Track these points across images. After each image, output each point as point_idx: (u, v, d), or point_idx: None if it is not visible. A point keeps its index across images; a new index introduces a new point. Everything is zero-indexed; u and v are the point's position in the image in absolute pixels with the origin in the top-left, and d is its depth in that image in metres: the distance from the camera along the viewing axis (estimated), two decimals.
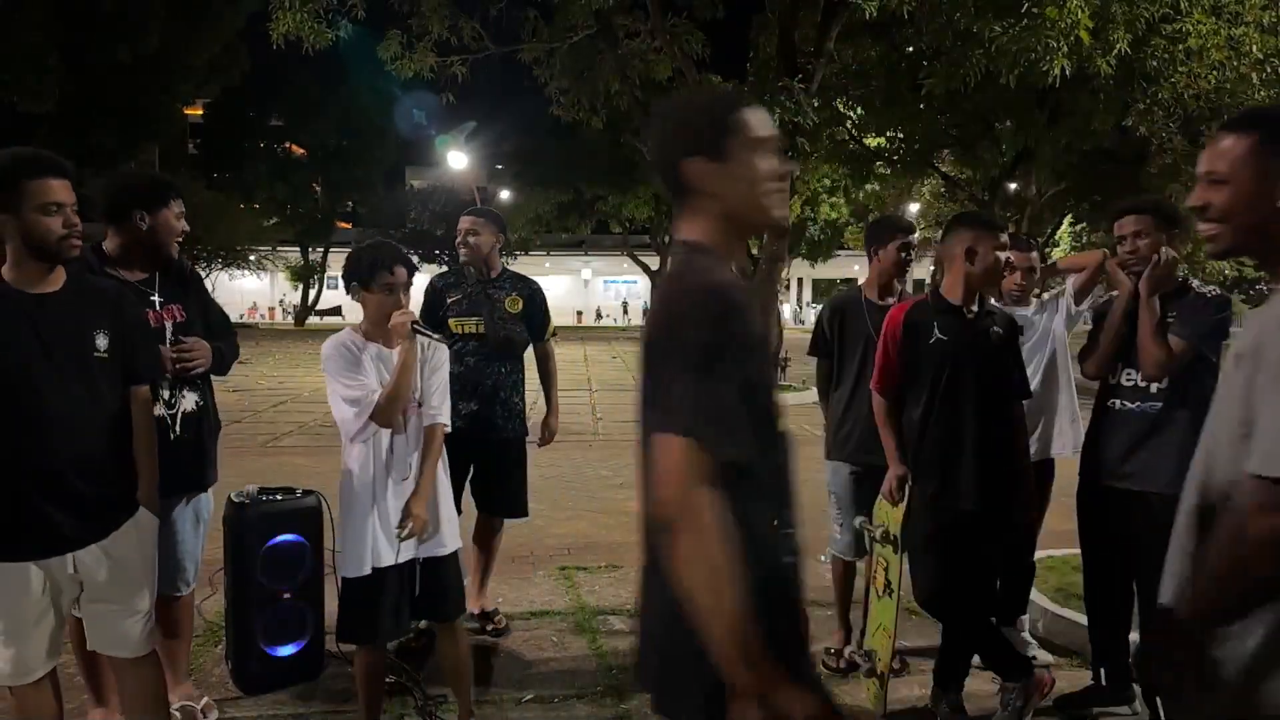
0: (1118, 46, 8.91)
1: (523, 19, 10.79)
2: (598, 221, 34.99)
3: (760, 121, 1.47)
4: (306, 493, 3.41)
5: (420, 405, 2.80)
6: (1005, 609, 3.74)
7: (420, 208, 37.20)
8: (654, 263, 32.44)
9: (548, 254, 42.48)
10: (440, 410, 2.85)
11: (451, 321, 3.80)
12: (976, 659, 3.25)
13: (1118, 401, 3.07)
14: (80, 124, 18.66)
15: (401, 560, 2.74)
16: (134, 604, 2.42)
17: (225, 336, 3.09)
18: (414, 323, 2.71)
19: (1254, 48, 10.17)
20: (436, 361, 2.88)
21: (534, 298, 3.97)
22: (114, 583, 2.37)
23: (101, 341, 2.33)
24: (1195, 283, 3.04)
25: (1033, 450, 3.49)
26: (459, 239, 3.86)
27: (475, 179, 31.24)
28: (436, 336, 2.89)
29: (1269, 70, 10.49)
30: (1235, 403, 1.43)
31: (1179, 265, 2.99)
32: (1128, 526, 3.02)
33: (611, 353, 21.55)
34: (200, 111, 34.87)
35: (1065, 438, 3.69)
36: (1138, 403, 3.01)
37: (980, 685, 3.36)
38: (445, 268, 5.16)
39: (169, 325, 2.85)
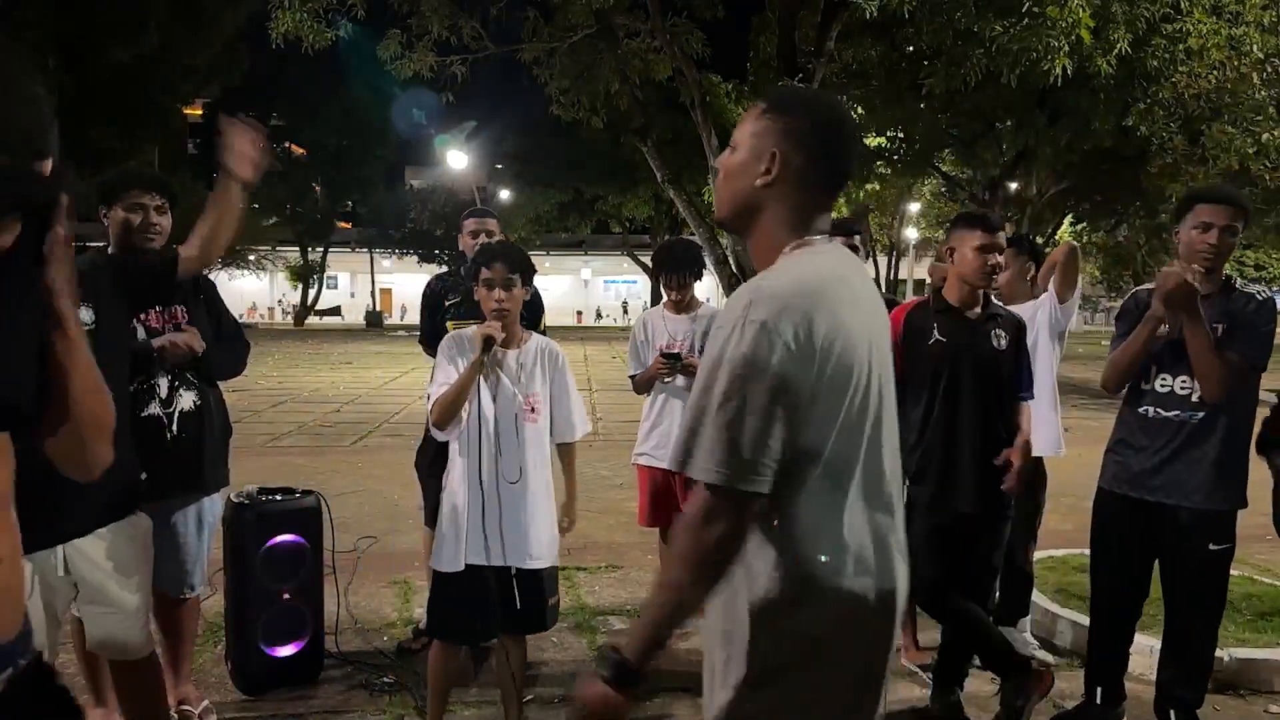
0: (1118, 46, 8.90)
1: (523, 19, 10.78)
2: (598, 221, 35.02)
3: None
4: (306, 493, 3.40)
5: (534, 411, 2.75)
6: (1007, 610, 3.75)
7: (420, 208, 37.20)
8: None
9: (548, 254, 42.46)
10: (570, 428, 2.88)
11: (450, 324, 3.79)
12: (976, 659, 3.25)
13: (1151, 409, 2.84)
14: (80, 124, 18.65)
15: (494, 563, 2.70)
16: (128, 606, 2.41)
17: (232, 347, 3.08)
18: (488, 337, 2.61)
19: (1254, 47, 10.17)
20: (560, 371, 2.86)
21: (532, 299, 3.96)
22: (107, 584, 2.36)
23: (86, 315, 2.30)
24: (1239, 281, 2.83)
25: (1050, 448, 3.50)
26: (471, 241, 3.83)
27: (475, 179, 31.23)
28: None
29: (1269, 70, 10.49)
30: None
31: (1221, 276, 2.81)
32: (1151, 540, 2.91)
33: (611, 353, 21.54)
34: (200, 111, 34.86)
35: (1047, 438, 3.67)
36: (1176, 411, 2.80)
37: (980, 685, 3.36)
38: (445, 268, 5.15)
39: (168, 328, 2.85)
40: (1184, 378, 2.78)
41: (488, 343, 2.61)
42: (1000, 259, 2.97)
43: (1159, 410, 2.84)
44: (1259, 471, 2.79)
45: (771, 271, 1.39)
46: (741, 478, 1.28)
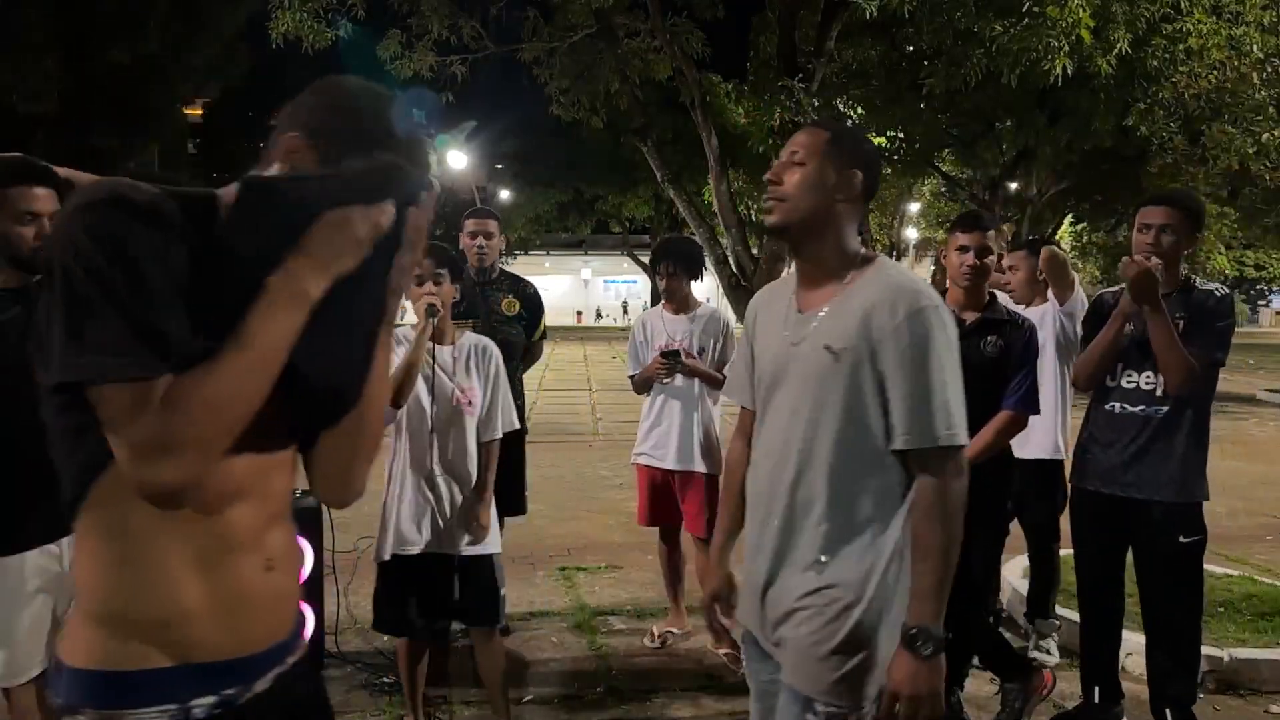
0: (1118, 46, 8.90)
1: (523, 19, 10.77)
2: (598, 221, 34.98)
3: None
4: (306, 493, 3.39)
5: (471, 404, 2.86)
6: (1036, 602, 3.79)
7: None
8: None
9: (548, 254, 42.45)
10: (493, 426, 2.93)
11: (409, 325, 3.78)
12: (976, 659, 3.25)
13: (1118, 405, 2.93)
14: (80, 124, 18.64)
15: (429, 550, 2.78)
16: None
17: None
18: (430, 305, 2.72)
19: (1254, 47, 10.17)
20: (493, 369, 2.94)
21: (530, 299, 3.96)
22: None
23: None
24: (1198, 280, 2.91)
25: (1026, 450, 3.49)
26: (470, 241, 3.82)
27: (475, 179, 31.22)
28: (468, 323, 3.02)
29: (1269, 70, 10.49)
30: None
31: (1179, 273, 2.87)
32: (1127, 536, 2.96)
33: (611, 353, 21.54)
34: (200, 111, 34.87)
35: (1046, 439, 3.67)
36: (1141, 406, 2.87)
37: (980, 686, 3.36)
38: None
39: None
40: (1149, 373, 2.85)
41: (430, 309, 2.72)
42: (978, 261, 2.90)
43: (1125, 406, 2.91)
44: (1259, 472, 2.79)
45: (896, 271, 1.71)
46: (965, 434, 1.63)
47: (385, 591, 2.87)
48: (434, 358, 2.82)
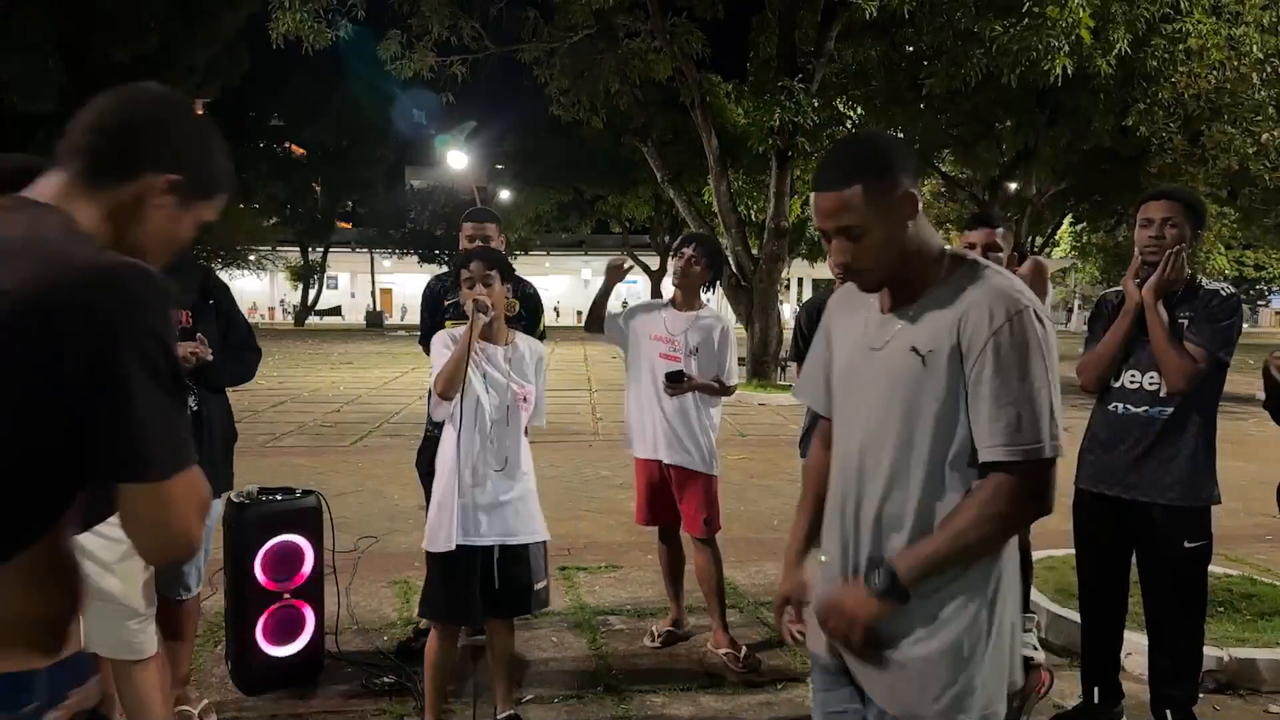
0: (1118, 46, 8.92)
1: (523, 19, 10.78)
2: (598, 221, 35.01)
3: None
4: (306, 493, 3.40)
5: (525, 401, 2.99)
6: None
7: (420, 208, 37.22)
8: (654, 262, 32.37)
9: (548, 254, 42.46)
10: (539, 418, 3.13)
11: (449, 324, 3.78)
12: None
13: (1121, 406, 2.88)
14: None
15: (483, 543, 2.87)
16: (131, 606, 2.41)
17: (240, 355, 3.07)
18: (478, 300, 2.83)
19: (1254, 47, 10.18)
20: (542, 368, 3.10)
21: (530, 299, 3.94)
22: (108, 584, 2.36)
23: None
24: (1204, 280, 2.87)
25: None
26: (467, 244, 3.80)
27: (475, 179, 31.23)
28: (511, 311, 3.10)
29: (1269, 70, 10.50)
30: None
31: (1186, 267, 2.86)
32: (1130, 538, 2.95)
33: (611, 352, 21.51)
34: (200, 111, 34.86)
35: None
36: (1145, 407, 2.83)
37: None
38: (445, 268, 5.12)
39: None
40: (1152, 374, 2.83)
41: (479, 304, 2.83)
42: (989, 256, 2.93)
43: (1128, 406, 2.88)
44: (1259, 472, 2.79)
45: (993, 272, 1.58)
46: (1058, 449, 1.51)
47: (444, 580, 2.91)
48: (491, 359, 2.94)
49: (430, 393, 3.03)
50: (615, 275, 3.82)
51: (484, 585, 2.90)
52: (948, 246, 1.64)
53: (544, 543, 3.07)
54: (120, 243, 1.17)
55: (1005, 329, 1.48)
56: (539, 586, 3.03)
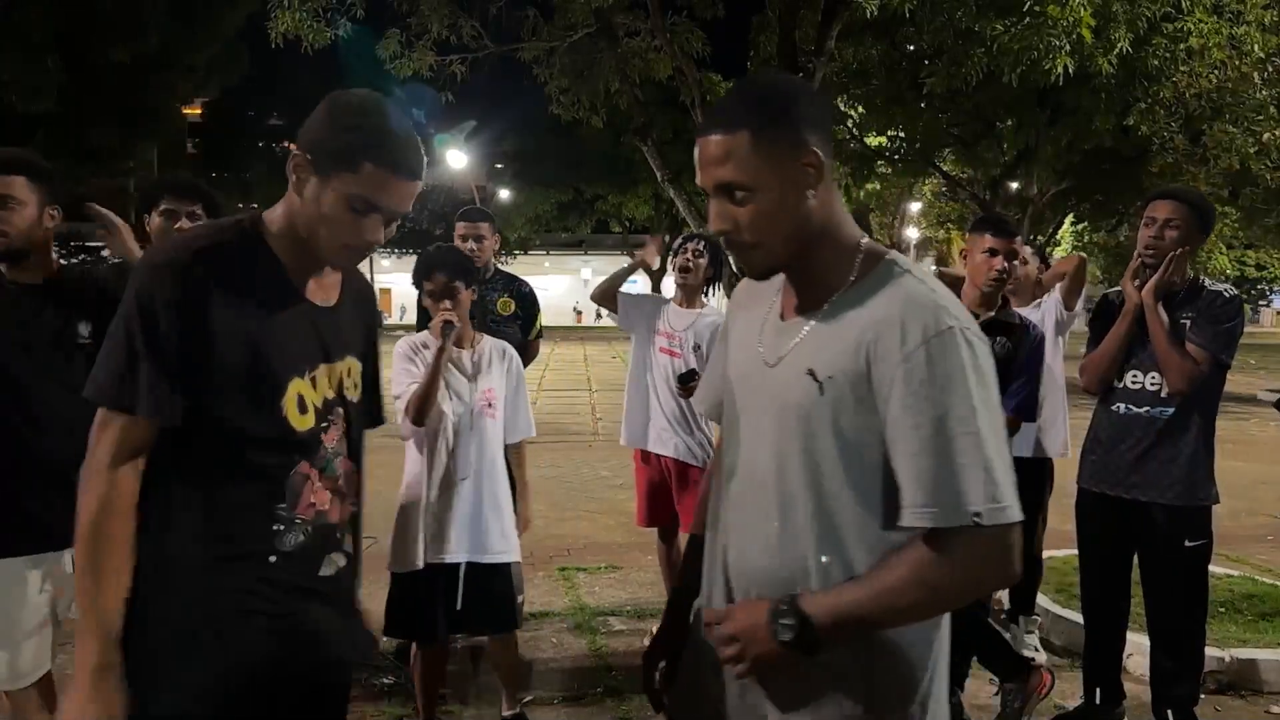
0: (1119, 45, 8.90)
1: (522, 18, 10.76)
2: (597, 221, 35.02)
3: None
4: None
5: (491, 407, 2.83)
6: (1019, 599, 3.78)
7: (419, 207, 37.19)
8: (654, 262, 32.36)
9: (547, 254, 42.46)
10: (520, 427, 2.98)
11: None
12: (976, 659, 3.24)
13: (1123, 406, 2.90)
14: (80, 124, 18.63)
15: (450, 561, 2.74)
16: None
17: None
18: (447, 322, 2.70)
19: (1255, 47, 10.17)
20: (514, 371, 2.95)
21: (526, 298, 3.94)
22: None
23: (84, 329, 2.29)
24: (1207, 281, 2.87)
25: (1026, 449, 3.49)
26: (462, 245, 3.78)
27: (474, 178, 31.22)
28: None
29: (1270, 69, 10.50)
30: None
31: (1187, 269, 2.86)
32: (1132, 538, 2.94)
33: (611, 353, 21.54)
34: (200, 111, 34.88)
35: (1054, 438, 3.68)
36: (1146, 407, 2.84)
37: (980, 686, 3.35)
38: None
39: None
40: (1154, 374, 2.84)
41: (447, 326, 2.68)
42: (1007, 264, 2.93)
43: (1130, 407, 2.88)
44: (1260, 472, 2.79)
45: (910, 277, 1.25)
46: (1018, 509, 1.16)
47: (408, 599, 2.76)
48: (456, 363, 2.82)
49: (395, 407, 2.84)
50: (642, 264, 3.93)
51: (468, 603, 2.77)
52: (864, 239, 1.30)
53: (518, 562, 2.92)
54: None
55: (920, 354, 1.16)
56: (519, 600, 2.92)
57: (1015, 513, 1.15)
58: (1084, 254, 3.69)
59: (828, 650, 1.20)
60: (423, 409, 2.67)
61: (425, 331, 2.84)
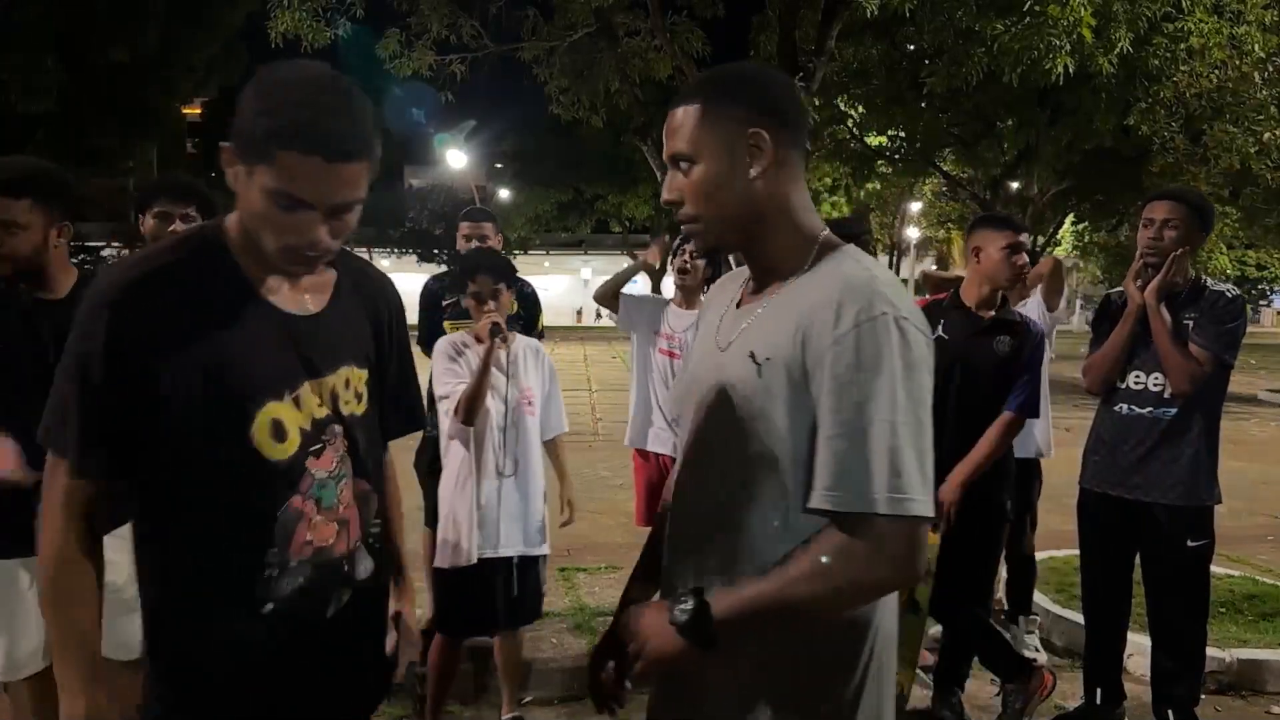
0: (1120, 45, 8.90)
1: (522, 18, 10.76)
2: (597, 221, 35.04)
3: None
4: None
5: (531, 404, 2.91)
6: (1015, 600, 3.78)
7: (419, 207, 37.19)
8: (657, 263, 32.39)
9: (547, 253, 42.44)
10: (556, 422, 3.07)
11: (448, 324, 3.76)
12: (977, 660, 3.24)
13: (1125, 406, 2.91)
14: (79, 124, 18.64)
15: (505, 554, 2.83)
16: (128, 604, 2.39)
17: None
18: (494, 324, 2.75)
19: (1256, 46, 10.17)
20: (547, 369, 3.04)
21: (528, 299, 3.94)
22: (129, 586, 2.34)
23: None
24: (1210, 281, 2.87)
25: (1022, 450, 3.49)
26: (466, 245, 3.78)
27: (474, 178, 31.25)
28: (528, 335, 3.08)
29: (1271, 69, 10.49)
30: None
31: (1188, 269, 2.86)
32: (1134, 538, 2.95)
33: (611, 353, 21.54)
34: (199, 111, 34.87)
35: (1033, 439, 3.67)
36: (1149, 408, 2.85)
37: (981, 686, 3.35)
38: (444, 268, 5.11)
39: None
40: (1157, 374, 2.84)
41: (495, 329, 2.73)
42: (1026, 261, 2.97)
43: (1133, 407, 2.89)
44: (1260, 472, 2.79)
45: (856, 265, 1.25)
46: (927, 505, 1.14)
47: (464, 594, 2.83)
48: (495, 365, 2.88)
49: (430, 397, 2.93)
50: (645, 265, 3.95)
51: (504, 594, 2.85)
52: (825, 232, 1.31)
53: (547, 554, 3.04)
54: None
55: (850, 338, 1.15)
56: (543, 591, 3.03)
57: (920, 508, 1.13)
58: (1058, 256, 3.71)
59: (730, 645, 1.18)
60: (472, 409, 2.74)
61: (462, 332, 2.91)
